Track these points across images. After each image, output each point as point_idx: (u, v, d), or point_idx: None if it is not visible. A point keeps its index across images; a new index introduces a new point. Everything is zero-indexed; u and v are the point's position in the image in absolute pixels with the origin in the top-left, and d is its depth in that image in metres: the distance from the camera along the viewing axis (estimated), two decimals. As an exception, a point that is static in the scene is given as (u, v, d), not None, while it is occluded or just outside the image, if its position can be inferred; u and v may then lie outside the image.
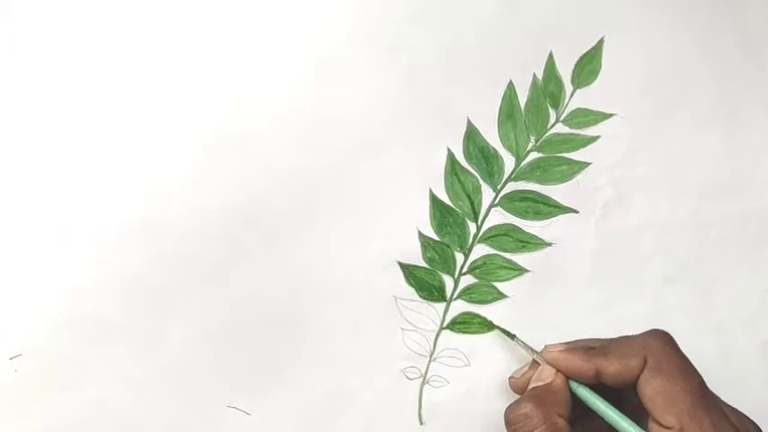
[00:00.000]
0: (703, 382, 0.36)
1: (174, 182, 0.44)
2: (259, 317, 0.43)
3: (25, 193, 0.43)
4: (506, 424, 0.38)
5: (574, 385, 0.39)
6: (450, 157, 0.46)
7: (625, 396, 0.39)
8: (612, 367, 0.37)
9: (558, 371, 0.39)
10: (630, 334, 0.39)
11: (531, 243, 0.45)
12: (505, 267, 0.45)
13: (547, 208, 0.46)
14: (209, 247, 0.43)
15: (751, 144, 0.47)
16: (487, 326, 0.44)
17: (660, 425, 0.35)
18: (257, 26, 0.46)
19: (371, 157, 0.45)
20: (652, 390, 0.35)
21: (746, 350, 0.45)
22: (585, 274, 0.45)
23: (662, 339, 0.37)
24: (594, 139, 0.47)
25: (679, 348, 0.37)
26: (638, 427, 0.36)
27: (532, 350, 0.41)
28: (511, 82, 0.47)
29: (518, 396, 0.40)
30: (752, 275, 0.46)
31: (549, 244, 0.45)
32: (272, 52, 0.46)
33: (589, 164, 0.46)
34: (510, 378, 0.41)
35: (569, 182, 0.46)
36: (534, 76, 0.47)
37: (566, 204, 0.46)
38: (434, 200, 0.45)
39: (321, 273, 0.44)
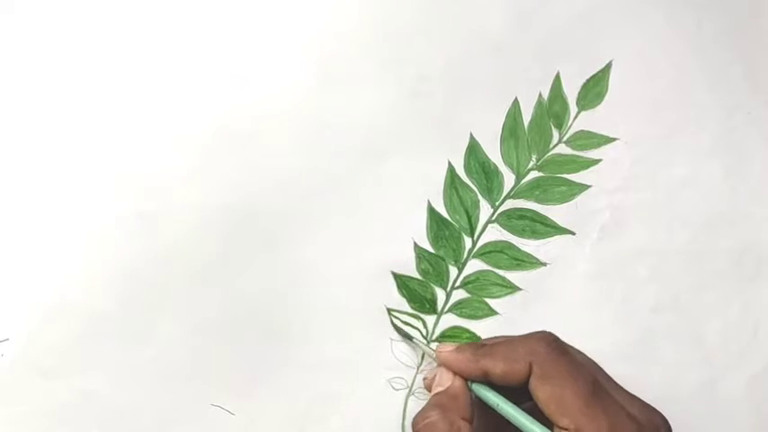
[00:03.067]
0: (597, 380, 0.36)
1: (173, 178, 0.44)
2: (249, 317, 0.43)
3: (22, 185, 0.43)
4: None
5: (472, 384, 0.39)
6: (451, 171, 0.46)
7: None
8: (498, 368, 0.37)
9: (454, 373, 0.39)
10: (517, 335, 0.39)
11: (525, 262, 0.45)
12: (498, 284, 0.45)
13: (544, 228, 0.46)
14: (204, 244, 0.43)
15: (751, 178, 0.47)
16: (476, 341, 0.44)
17: (559, 427, 0.35)
18: (263, 26, 0.46)
19: (371, 165, 0.45)
20: (543, 395, 0.36)
21: (734, 384, 0.45)
22: (577, 297, 0.45)
23: (548, 344, 0.37)
24: (596, 162, 0.47)
25: (565, 350, 0.37)
26: (531, 419, 0.36)
27: (431, 351, 0.41)
28: (516, 99, 0.47)
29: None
30: (744, 309, 0.46)
31: (544, 264, 0.45)
32: (278, 52, 0.46)
33: (589, 186, 0.46)
34: (423, 379, 0.42)
35: (568, 203, 0.46)
36: (540, 95, 0.47)
37: (563, 225, 0.46)
38: (432, 212, 0.45)
39: (314, 276, 0.44)
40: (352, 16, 0.47)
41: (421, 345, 0.43)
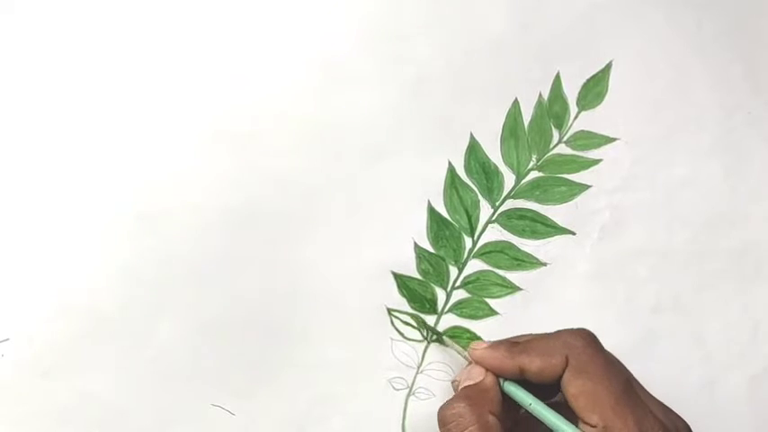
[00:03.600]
0: (629, 380, 0.36)
1: (173, 179, 0.44)
2: (250, 317, 0.43)
3: (23, 186, 0.43)
4: (439, 423, 0.37)
5: (504, 383, 0.39)
6: (451, 171, 0.46)
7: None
8: (534, 365, 0.37)
9: (487, 370, 0.39)
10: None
11: (526, 262, 0.45)
12: (499, 284, 0.45)
13: (544, 228, 0.46)
14: (205, 245, 0.43)
15: (751, 178, 0.47)
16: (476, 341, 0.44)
17: (585, 423, 0.35)
18: (263, 27, 0.46)
19: (372, 165, 0.45)
20: (575, 389, 0.36)
21: (735, 384, 0.45)
22: (578, 297, 0.45)
23: (584, 339, 0.37)
24: (596, 162, 0.47)
25: (602, 347, 0.37)
26: (565, 420, 0.36)
27: (461, 349, 0.41)
28: (516, 99, 0.47)
29: None
30: (744, 309, 0.46)
31: (544, 264, 0.45)
32: (277, 53, 0.46)
33: (589, 186, 0.46)
34: (452, 381, 0.41)
35: (568, 203, 0.46)
36: (540, 95, 0.47)
37: (563, 225, 0.46)
38: (432, 212, 0.45)
39: (315, 277, 0.44)
40: (352, 16, 0.47)
41: (451, 344, 0.42)
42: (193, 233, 0.43)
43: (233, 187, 0.44)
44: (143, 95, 0.45)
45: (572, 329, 0.38)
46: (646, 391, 0.37)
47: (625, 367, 0.38)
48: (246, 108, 0.45)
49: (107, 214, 0.43)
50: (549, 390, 0.37)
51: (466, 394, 0.38)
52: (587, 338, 0.37)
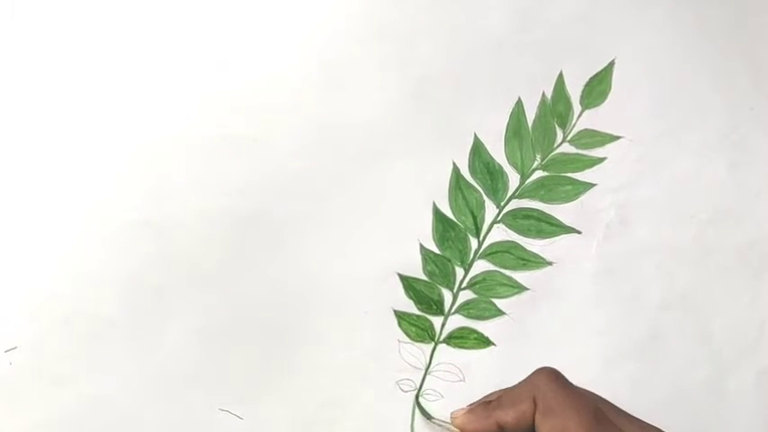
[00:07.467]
0: (598, 408, 0.36)
1: (177, 182, 0.44)
2: (256, 321, 0.43)
3: (26, 191, 0.43)
4: None
5: None
6: (455, 172, 0.46)
7: None
8: (509, 416, 0.37)
9: None
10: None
11: (532, 261, 0.45)
12: (505, 284, 0.45)
13: (550, 227, 0.46)
14: (209, 249, 0.43)
15: (756, 173, 0.48)
16: (484, 342, 0.44)
17: None
18: (265, 29, 0.46)
19: (376, 167, 0.45)
20: (547, 430, 0.36)
21: (743, 380, 0.45)
22: (585, 296, 0.45)
23: (547, 377, 0.37)
24: (601, 160, 0.47)
25: (565, 382, 0.37)
26: None
27: (448, 423, 0.41)
28: (519, 99, 0.47)
29: None
30: (751, 304, 0.46)
31: (550, 263, 0.45)
32: (280, 55, 0.46)
33: (594, 185, 0.47)
34: None
35: (573, 202, 0.46)
36: (543, 94, 0.47)
37: (569, 224, 0.46)
38: (437, 213, 0.45)
39: (320, 280, 0.44)
40: (353, 18, 0.47)
41: (438, 422, 0.42)
42: (199, 238, 0.43)
43: (238, 191, 0.44)
44: (147, 101, 0.45)
45: (536, 371, 0.38)
46: (621, 412, 0.37)
47: (593, 395, 0.38)
48: (250, 112, 0.45)
49: (113, 220, 0.43)
50: None
51: None
52: (549, 376, 0.37)
